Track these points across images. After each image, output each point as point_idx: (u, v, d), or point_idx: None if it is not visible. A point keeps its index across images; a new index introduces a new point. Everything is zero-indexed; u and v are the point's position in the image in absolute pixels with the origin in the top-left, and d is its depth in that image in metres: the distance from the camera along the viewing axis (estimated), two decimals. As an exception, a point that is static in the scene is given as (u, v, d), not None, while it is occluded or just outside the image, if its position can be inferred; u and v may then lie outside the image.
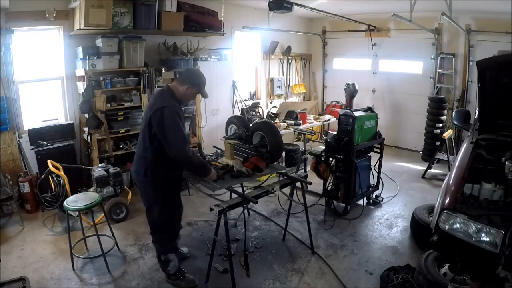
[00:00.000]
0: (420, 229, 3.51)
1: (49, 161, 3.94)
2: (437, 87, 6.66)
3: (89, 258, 3.34)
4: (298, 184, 3.51)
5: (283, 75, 7.77)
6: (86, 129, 4.68)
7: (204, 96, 2.86)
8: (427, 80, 6.81)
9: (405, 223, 4.09)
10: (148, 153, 2.68)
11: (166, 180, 2.76)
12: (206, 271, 3.03)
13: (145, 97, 5.01)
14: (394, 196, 4.91)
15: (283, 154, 5.14)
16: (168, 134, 2.53)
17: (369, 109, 4.57)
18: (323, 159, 4.13)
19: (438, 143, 6.03)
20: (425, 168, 5.76)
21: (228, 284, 2.85)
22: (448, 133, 5.69)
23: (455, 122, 3.91)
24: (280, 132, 3.77)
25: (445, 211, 2.38)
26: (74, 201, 3.14)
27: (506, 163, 2.60)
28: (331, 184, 4.38)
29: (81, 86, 4.66)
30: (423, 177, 5.66)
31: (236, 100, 6.50)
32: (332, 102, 8.13)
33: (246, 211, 3.95)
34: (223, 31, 5.73)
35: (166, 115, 2.52)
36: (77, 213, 3.66)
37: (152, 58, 5.34)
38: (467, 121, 3.85)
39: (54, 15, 4.43)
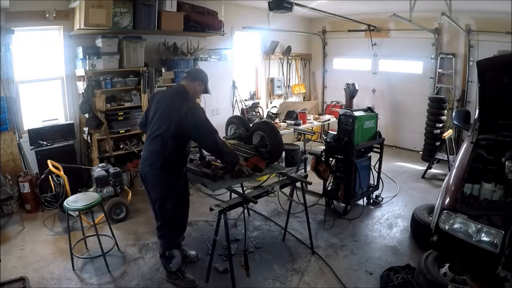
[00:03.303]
0: (420, 229, 3.51)
1: (49, 161, 3.94)
2: (437, 87, 6.66)
3: (89, 258, 3.34)
4: (298, 184, 3.51)
5: (283, 75, 7.77)
6: (86, 129, 4.68)
7: (208, 92, 3.07)
8: (427, 80, 6.82)
9: (405, 223, 4.09)
10: (167, 148, 2.73)
11: (181, 175, 2.88)
12: (206, 271, 3.03)
13: (145, 97, 5.01)
14: (394, 196, 4.91)
15: (283, 154, 5.14)
16: (203, 132, 2.77)
17: (369, 109, 4.57)
18: (323, 159, 4.13)
19: (438, 143, 6.03)
20: (425, 168, 5.76)
21: (228, 284, 2.85)
22: (448, 133, 5.69)
23: (455, 122, 3.91)
24: (280, 132, 3.77)
25: (445, 211, 2.38)
26: (74, 201, 3.14)
27: (506, 163, 2.60)
28: (331, 184, 4.38)
29: (81, 86, 4.66)
30: (423, 177, 5.67)
31: (236, 100, 6.50)
32: (332, 102, 8.14)
33: (246, 211, 3.95)
34: (223, 31, 5.73)
35: (197, 115, 2.74)
36: (77, 213, 3.65)
37: (152, 58, 5.34)
38: (467, 121, 3.85)
39: (54, 15, 4.43)
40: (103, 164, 4.45)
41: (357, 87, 7.03)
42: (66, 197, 3.47)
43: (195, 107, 2.82)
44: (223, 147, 2.91)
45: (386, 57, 7.36)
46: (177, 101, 2.81)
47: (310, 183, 3.81)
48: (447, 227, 2.35)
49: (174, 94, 2.94)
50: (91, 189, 4.09)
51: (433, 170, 5.80)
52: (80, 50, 4.62)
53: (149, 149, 2.83)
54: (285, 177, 3.41)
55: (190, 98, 2.87)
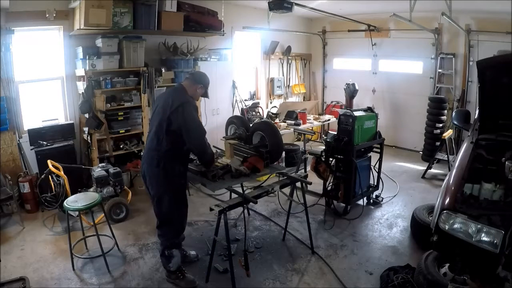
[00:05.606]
0: (420, 229, 3.51)
1: (49, 161, 3.94)
2: (437, 87, 6.66)
3: (89, 258, 3.34)
4: (298, 184, 3.51)
5: (283, 75, 7.78)
6: (86, 129, 4.68)
7: (207, 96, 3.10)
8: (427, 80, 6.81)
9: (405, 223, 4.09)
10: (163, 145, 2.77)
11: (177, 172, 2.86)
12: (206, 271, 3.03)
13: (145, 97, 5.01)
14: (394, 196, 4.91)
15: (283, 154, 5.14)
16: (191, 127, 2.71)
17: (369, 109, 4.57)
18: (323, 159, 4.13)
19: (438, 143, 6.03)
20: (425, 168, 5.76)
21: (228, 284, 2.85)
22: (448, 133, 5.69)
23: (455, 122, 3.91)
24: (280, 132, 3.77)
25: (445, 211, 2.38)
26: (74, 201, 3.14)
27: (506, 163, 2.60)
28: (331, 184, 4.38)
29: (81, 86, 4.66)
30: (423, 177, 5.66)
31: (236, 100, 6.50)
32: (332, 102, 8.14)
33: (246, 211, 3.95)
34: (223, 31, 5.73)
35: (187, 110, 2.71)
36: (77, 213, 3.66)
37: (152, 58, 5.34)
38: (467, 121, 3.85)
39: (54, 15, 4.43)
40: (103, 164, 4.45)
41: (357, 87, 7.04)
42: (66, 197, 3.47)
43: (189, 102, 2.77)
44: (207, 148, 2.94)
45: (386, 57, 7.36)
46: (171, 97, 2.83)
47: (310, 183, 3.81)
48: (447, 227, 2.35)
49: (171, 91, 2.98)
50: (91, 189, 4.09)
51: (433, 170, 5.80)
52: (80, 50, 4.62)
53: (147, 147, 2.94)
54: (285, 177, 3.41)
55: (186, 95, 2.85)
